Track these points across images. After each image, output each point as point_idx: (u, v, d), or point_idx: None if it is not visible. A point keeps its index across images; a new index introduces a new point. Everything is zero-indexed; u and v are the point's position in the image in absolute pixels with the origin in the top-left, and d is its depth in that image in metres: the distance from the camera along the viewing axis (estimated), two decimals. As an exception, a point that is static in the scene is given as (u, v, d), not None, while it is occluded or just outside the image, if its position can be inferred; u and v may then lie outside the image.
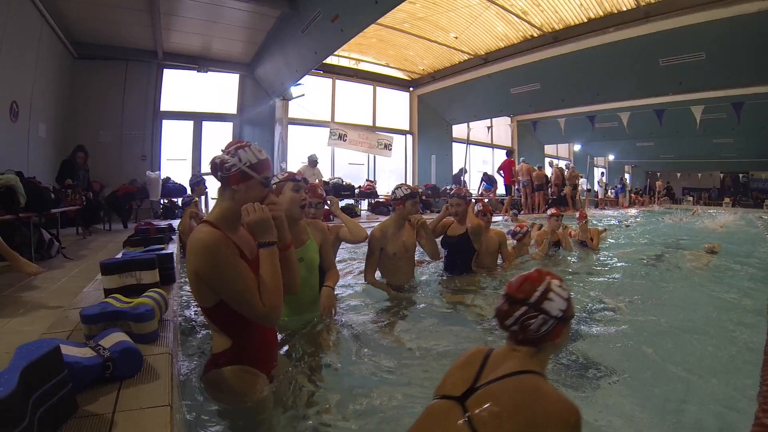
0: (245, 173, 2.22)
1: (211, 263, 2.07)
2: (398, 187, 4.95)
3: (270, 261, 2.18)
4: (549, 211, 7.64)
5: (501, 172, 18.18)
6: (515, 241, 7.02)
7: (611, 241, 10.24)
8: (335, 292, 3.90)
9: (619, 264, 7.43)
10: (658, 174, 37.71)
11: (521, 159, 18.40)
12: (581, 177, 22.94)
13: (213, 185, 9.73)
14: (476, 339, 3.87)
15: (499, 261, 6.22)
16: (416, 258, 5.62)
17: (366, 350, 3.42)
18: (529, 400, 1.60)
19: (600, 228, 9.57)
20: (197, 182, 9.50)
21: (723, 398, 2.93)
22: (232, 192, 2.24)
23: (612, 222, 13.99)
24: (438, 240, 5.65)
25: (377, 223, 5.06)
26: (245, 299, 2.11)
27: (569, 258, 7.49)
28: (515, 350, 1.78)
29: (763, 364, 2.91)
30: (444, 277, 5.62)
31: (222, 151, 2.29)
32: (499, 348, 1.86)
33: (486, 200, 16.82)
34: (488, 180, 18.79)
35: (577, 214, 8.56)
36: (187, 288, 4.45)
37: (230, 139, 14.01)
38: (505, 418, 1.57)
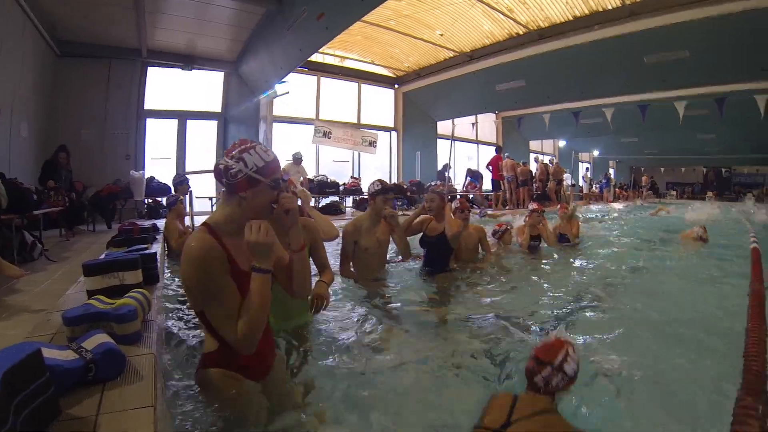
0: (252, 178, 2.09)
1: (198, 275, 2.00)
2: (371, 184, 5.01)
3: (260, 290, 2.04)
4: (530, 206, 7.71)
5: (489, 167, 18.26)
6: (496, 240, 7.11)
7: (603, 233, 10.39)
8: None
9: (601, 258, 7.50)
10: (642, 169, 38.05)
11: (506, 155, 18.47)
12: (566, 172, 23.16)
13: (196, 184, 9.71)
14: (456, 334, 3.89)
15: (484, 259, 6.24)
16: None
17: (354, 348, 3.43)
18: (553, 430, 2.09)
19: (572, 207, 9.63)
20: (180, 181, 9.44)
21: (708, 386, 2.98)
22: (239, 199, 2.12)
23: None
24: (417, 237, 5.72)
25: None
26: (221, 321, 2.05)
27: (551, 252, 7.52)
28: (537, 397, 2.21)
29: (745, 350, 2.97)
30: (422, 274, 5.58)
31: (225, 154, 2.15)
32: (522, 394, 2.28)
33: (470, 196, 16.92)
34: (473, 175, 18.88)
35: (558, 206, 8.70)
36: (172, 288, 4.44)
37: (214, 138, 14.14)
38: None
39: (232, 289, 2.07)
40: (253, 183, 2.10)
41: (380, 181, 4.97)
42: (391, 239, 5.18)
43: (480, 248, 6.22)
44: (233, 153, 2.12)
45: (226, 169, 2.11)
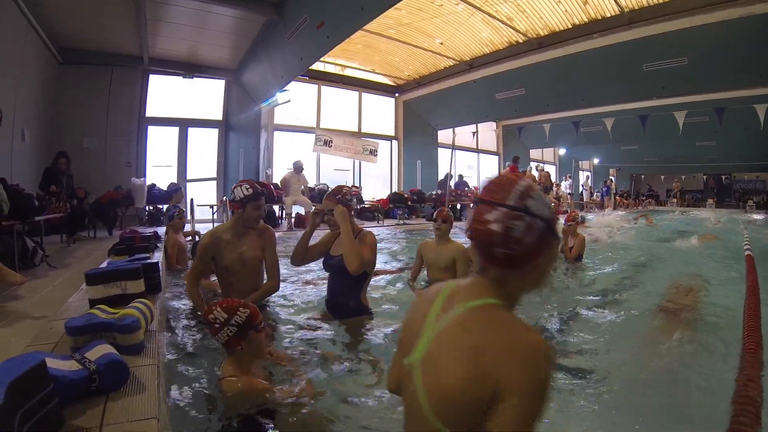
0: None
1: None
2: (238, 186, 3.97)
3: None
4: None
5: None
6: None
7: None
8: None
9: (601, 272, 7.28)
10: (643, 177, 38.08)
11: (506, 164, 18.49)
12: (565, 180, 23.42)
13: (197, 192, 9.70)
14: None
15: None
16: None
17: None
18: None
19: None
20: (175, 189, 9.45)
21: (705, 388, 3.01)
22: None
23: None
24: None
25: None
26: None
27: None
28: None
29: (742, 353, 3.00)
30: (317, 316, 4.23)
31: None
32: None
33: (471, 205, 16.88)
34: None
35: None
36: (173, 298, 4.44)
37: (215, 146, 14.15)
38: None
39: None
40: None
41: (250, 184, 3.99)
42: (263, 257, 4.07)
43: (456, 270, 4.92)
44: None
45: None
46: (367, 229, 4.12)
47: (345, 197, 3.89)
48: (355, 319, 3.92)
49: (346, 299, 3.95)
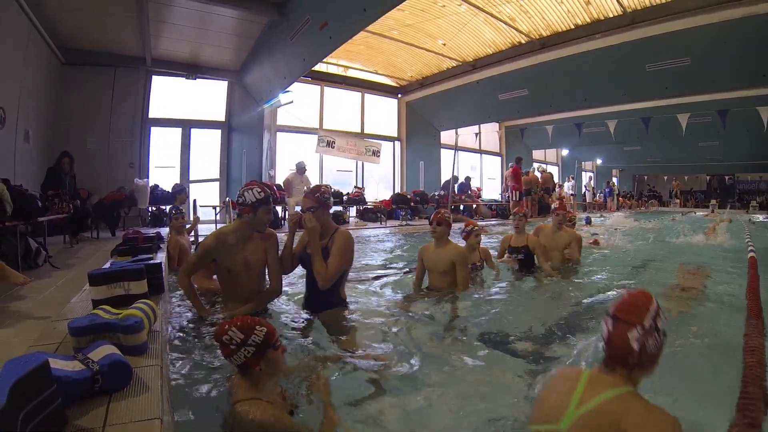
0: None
1: None
2: (248, 189, 3.90)
3: None
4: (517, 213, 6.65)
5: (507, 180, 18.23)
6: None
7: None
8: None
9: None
10: (645, 177, 38.04)
11: (510, 164, 18.47)
12: (568, 181, 23.35)
13: (200, 193, 9.68)
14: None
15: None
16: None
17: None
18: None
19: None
20: (179, 190, 9.46)
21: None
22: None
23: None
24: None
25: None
26: None
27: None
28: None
29: (744, 358, 2.99)
30: (298, 312, 4.23)
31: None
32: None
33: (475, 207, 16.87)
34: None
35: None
36: (176, 299, 4.43)
37: (218, 147, 14.15)
38: None
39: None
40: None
41: (260, 187, 3.94)
42: (266, 260, 4.03)
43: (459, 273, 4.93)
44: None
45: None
46: (345, 228, 4.18)
47: (323, 195, 3.97)
48: (332, 312, 3.99)
49: (325, 294, 3.96)
